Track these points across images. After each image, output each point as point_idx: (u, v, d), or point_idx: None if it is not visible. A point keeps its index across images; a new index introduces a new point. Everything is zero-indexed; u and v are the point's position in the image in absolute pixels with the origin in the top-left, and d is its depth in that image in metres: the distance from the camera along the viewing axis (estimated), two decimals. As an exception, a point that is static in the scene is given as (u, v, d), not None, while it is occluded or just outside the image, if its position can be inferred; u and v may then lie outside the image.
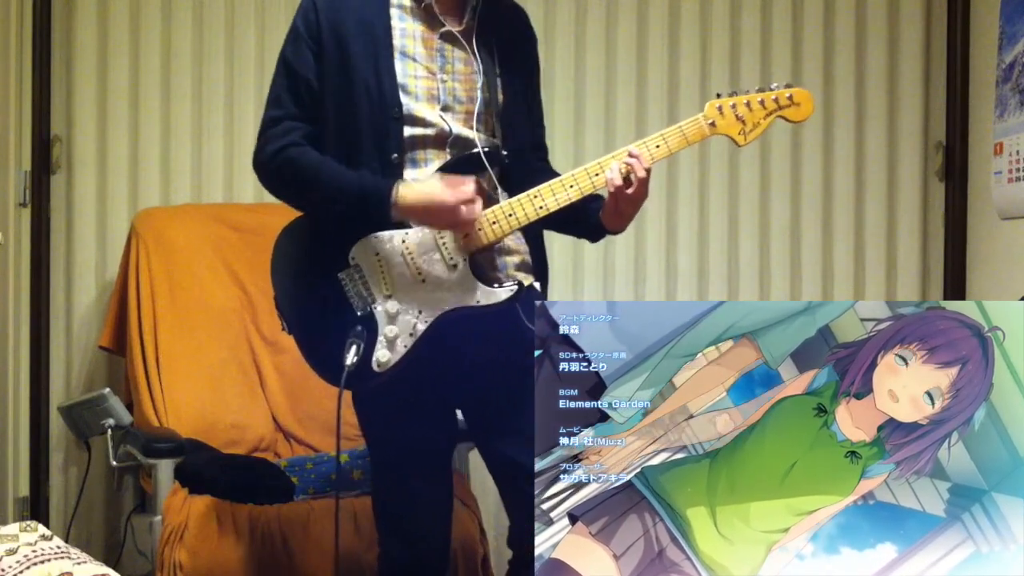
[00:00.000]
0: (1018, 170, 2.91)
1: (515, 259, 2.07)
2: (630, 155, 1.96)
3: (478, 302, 1.97)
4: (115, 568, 1.74)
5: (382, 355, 1.96)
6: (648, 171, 1.96)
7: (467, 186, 1.93)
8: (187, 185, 3.22)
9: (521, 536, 1.98)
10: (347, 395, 2.88)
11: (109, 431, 2.72)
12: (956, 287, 3.30)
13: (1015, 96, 2.93)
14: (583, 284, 3.32)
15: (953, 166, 3.32)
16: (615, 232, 2.10)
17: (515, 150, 2.07)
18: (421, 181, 1.97)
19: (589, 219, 2.08)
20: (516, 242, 2.07)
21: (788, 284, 3.38)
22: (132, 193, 3.20)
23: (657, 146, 1.98)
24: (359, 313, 1.98)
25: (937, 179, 3.38)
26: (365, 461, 2.66)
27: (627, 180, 1.95)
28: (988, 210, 3.12)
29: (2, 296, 3.04)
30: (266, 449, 2.87)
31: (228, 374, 2.91)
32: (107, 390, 2.78)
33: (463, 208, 1.92)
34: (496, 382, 2.01)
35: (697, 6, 3.34)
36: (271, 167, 2.03)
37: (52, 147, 3.14)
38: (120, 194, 3.19)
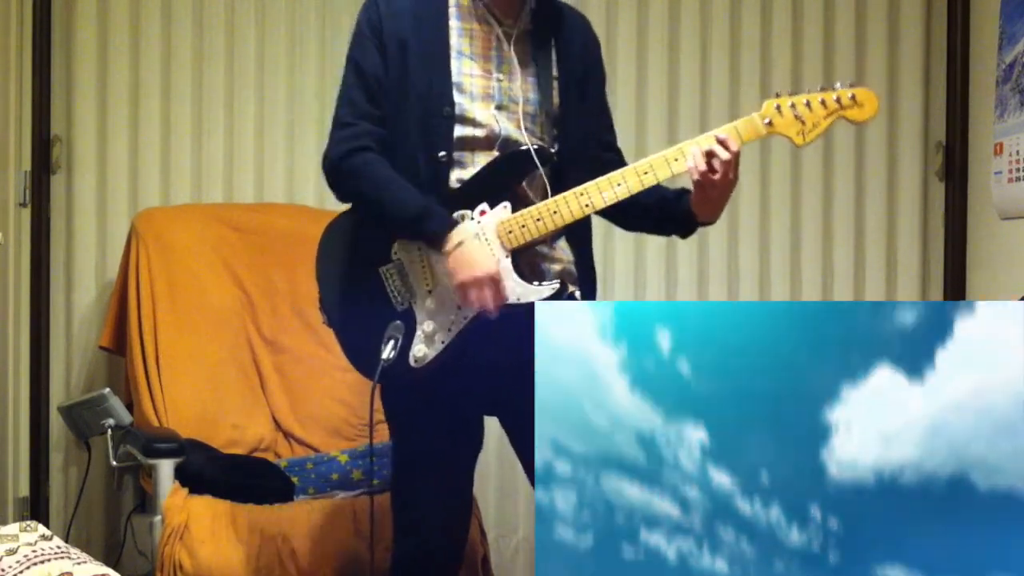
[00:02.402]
0: (1018, 170, 2.91)
1: (557, 267, 2.06)
2: (717, 140, 1.93)
3: (519, 299, 1.96)
4: (115, 568, 1.75)
5: (419, 350, 1.96)
6: (736, 154, 1.93)
7: (506, 282, 1.94)
8: (187, 185, 3.22)
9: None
10: (347, 395, 2.89)
11: (109, 431, 2.72)
12: (956, 287, 3.30)
13: (1015, 96, 2.93)
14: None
15: (953, 166, 3.32)
16: (708, 223, 2.08)
17: (570, 153, 2.06)
18: (483, 247, 1.95)
19: (679, 212, 2.07)
20: (560, 251, 2.07)
21: (788, 285, 3.38)
22: (132, 193, 3.20)
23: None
24: (399, 308, 1.98)
25: (937, 179, 3.38)
26: (366, 461, 2.66)
27: (711, 167, 1.93)
28: (988, 210, 3.12)
29: (2, 296, 3.04)
30: (266, 449, 2.87)
31: (228, 374, 2.91)
32: (107, 390, 2.78)
33: (488, 292, 1.92)
34: (531, 384, 1.99)
35: (697, 6, 3.34)
36: (338, 168, 2.03)
37: (52, 147, 3.14)
38: (120, 194, 3.19)
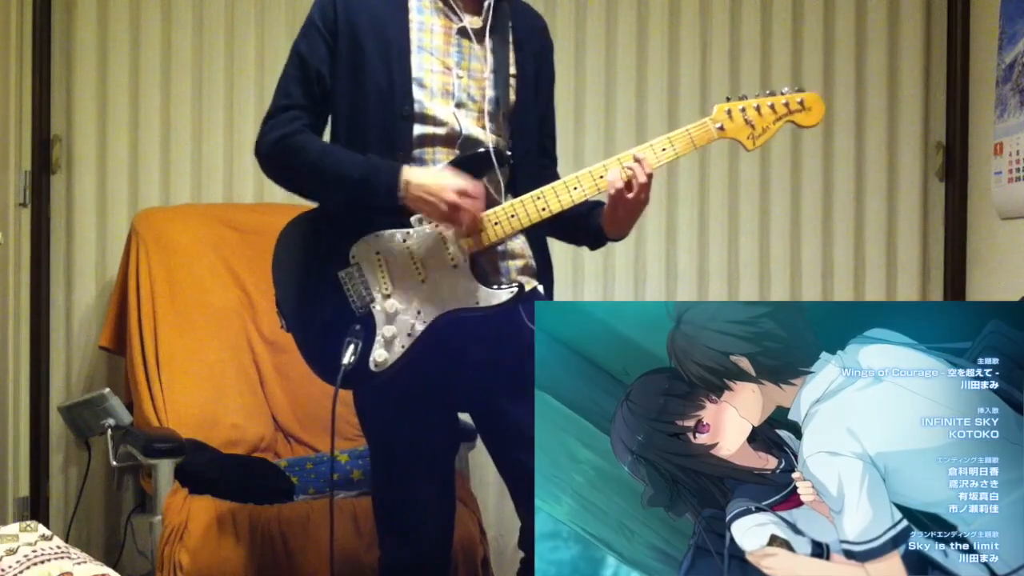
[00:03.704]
0: (1018, 170, 2.91)
1: (519, 263, 2.07)
2: (634, 159, 1.95)
3: (477, 303, 1.96)
4: (115, 568, 1.74)
5: (379, 355, 1.95)
6: (650, 176, 1.95)
7: (476, 186, 1.94)
8: (187, 185, 3.22)
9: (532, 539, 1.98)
10: (348, 394, 2.89)
11: (109, 431, 2.72)
12: (956, 287, 3.30)
13: (1015, 96, 2.93)
14: (583, 285, 3.32)
15: (953, 166, 3.32)
16: (616, 239, 2.10)
17: (523, 153, 2.07)
18: (431, 169, 1.96)
19: (590, 225, 2.08)
20: (520, 246, 2.07)
21: (788, 284, 3.38)
22: (132, 193, 3.20)
23: (663, 149, 1.98)
24: (358, 312, 1.97)
25: (937, 179, 3.38)
26: (365, 461, 2.66)
27: (628, 184, 1.95)
28: (988, 210, 3.12)
29: (2, 296, 3.04)
30: (266, 449, 2.87)
31: (228, 374, 2.91)
32: (107, 390, 2.78)
33: (467, 201, 1.91)
34: (498, 384, 2.00)
35: (697, 6, 3.34)
36: (273, 153, 2.02)
37: (52, 147, 3.14)
38: (120, 194, 3.19)
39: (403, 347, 1.96)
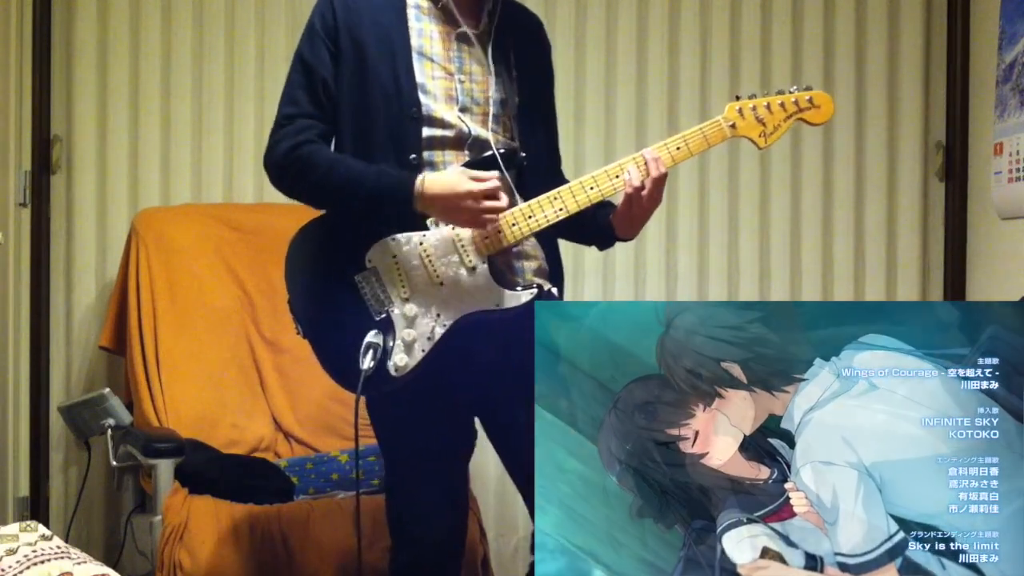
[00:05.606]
0: (1018, 170, 2.91)
1: (533, 264, 2.06)
2: (651, 158, 1.96)
3: (497, 305, 1.95)
4: (115, 568, 1.74)
5: (400, 359, 1.94)
6: (665, 174, 1.96)
7: (491, 181, 1.92)
8: (187, 185, 3.22)
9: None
10: (348, 394, 2.89)
11: (109, 431, 2.72)
12: (956, 287, 3.30)
13: (1015, 96, 2.93)
14: (583, 285, 3.32)
15: (953, 166, 3.32)
16: (626, 238, 2.09)
17: (532, 153, 2.06)
18: (444, 173, 1.94)
19: (599, 225, 2.07)
20: (533, 248, 2.06)
21: (788, 284, 3.38)
22: (132, 193, 3.20)
23: (678, 148, 1.98)
24: (376, 317, 1.95)
25: (937, 179, 3.38)
26: (365, 461, 2.66)
27: (643, 183, 1.95)
28: (988, 210, 3.11)
29: (2, 296, 3.04)
30: (266, 449, 2.87)
31: (228, 374, 2.91)
32: (107, 390, 2.78)
33: (485, 202, 1.91)
34: (516, 387, 1.96)
35: (697, 6, 3.34)
36: (284, 165, 1.99)
37: (52, 147, 3.14)
38: (120, 194, 3.19)
39: (423, 351, 1.94)
